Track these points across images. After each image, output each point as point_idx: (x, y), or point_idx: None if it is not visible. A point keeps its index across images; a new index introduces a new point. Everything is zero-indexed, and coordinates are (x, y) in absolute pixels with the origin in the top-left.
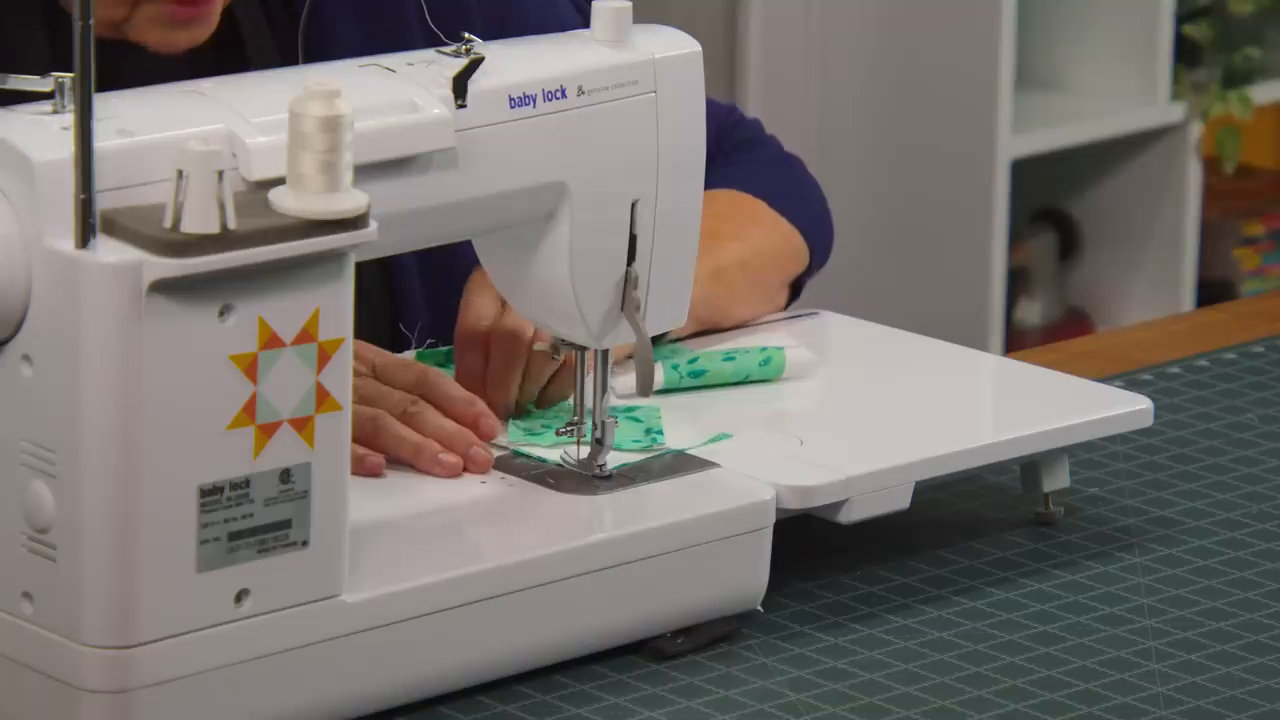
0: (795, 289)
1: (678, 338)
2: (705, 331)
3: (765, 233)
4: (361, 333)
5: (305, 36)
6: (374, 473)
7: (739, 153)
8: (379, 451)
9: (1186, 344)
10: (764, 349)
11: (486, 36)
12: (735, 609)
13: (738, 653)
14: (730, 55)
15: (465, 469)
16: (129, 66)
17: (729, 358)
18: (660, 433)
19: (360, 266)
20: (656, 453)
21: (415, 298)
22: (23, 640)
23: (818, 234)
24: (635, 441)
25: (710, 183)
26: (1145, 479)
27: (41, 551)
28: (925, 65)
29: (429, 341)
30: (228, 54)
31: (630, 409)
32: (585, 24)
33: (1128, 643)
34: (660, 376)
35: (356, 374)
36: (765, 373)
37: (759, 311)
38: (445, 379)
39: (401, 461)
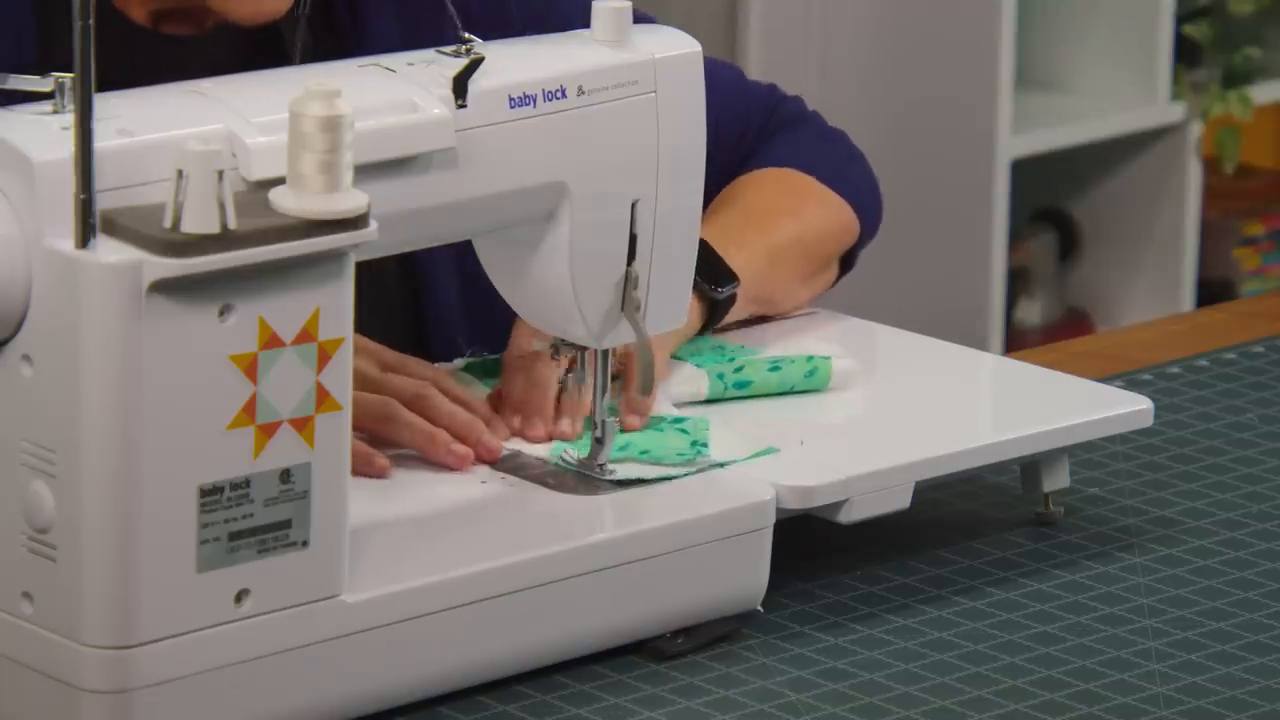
0: (846, 262)
1: (731, 323)
2: (757, 319)
3: (817, 207)
4: (379, 335)
5: (304, 40)
6: (381, 475)
7: (783, 130)
8: (389, 439)
9: (1186, 344)
10: (810, 358)
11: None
12: (735, 609)
13: (738, 653)
14: (730, 55)
15: (476, 458)
16: (168, 60)
17: (775, 368)
18: (705, 445)
19: (377, 268)
20: (700, 466)
21: (447, 298)
22: (23, 640)
23: (867, 205)
24: (680, 455)
25: (757, 161)
26: (1145, 479)
27: (41, 551)
28: (925, 65)
29: (472, 350)
30: (270, 60)
31: (679, 420)
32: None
33: (1128, 643)
34: (705, 386)
35: (361, 370)
36: (811, 383)
37: (813, 289)
38: (453, 381)
39: (412, 449)
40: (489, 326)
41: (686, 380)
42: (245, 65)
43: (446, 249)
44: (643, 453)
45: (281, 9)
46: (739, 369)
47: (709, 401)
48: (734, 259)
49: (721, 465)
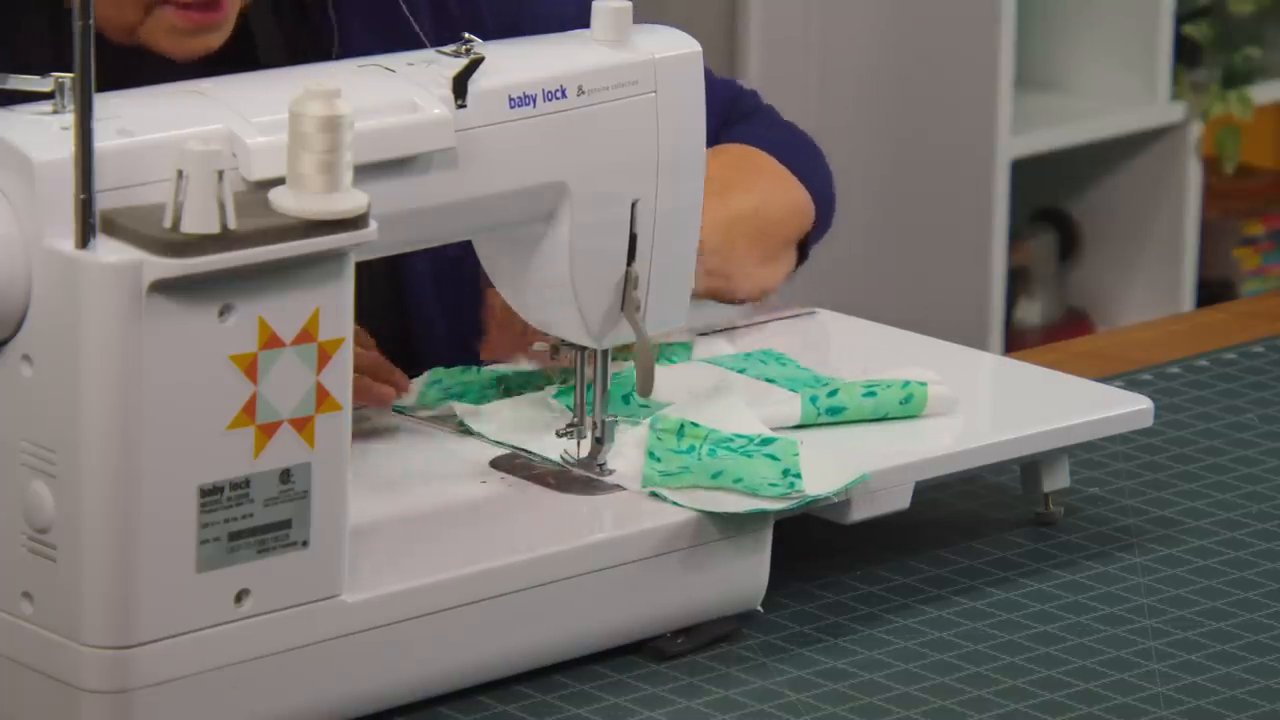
0: (803, 251)
1: (718, 326)
2: (716, 299)
3: (772, 184)
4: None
5: (273, 35)
6: (383, 402)
7: (744, 120)
8: None
9: (1186, 344)
10: (906, 384)
11: (498, 38)
12: (735, 609)
13: (738, 653)
14: (730, 56)
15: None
16: (143, 72)
17: (870, 393)
18: (799, 475)
19: (368, 275)
20: (796, 500)
21: (428, 297)
22: (23, 640)
23: (824, 195)
24: (773, 486)
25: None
26: (1145, 479)
27: (41, 551)
28: (925, 65)
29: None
30: (241, 62)
31: (767, 440)
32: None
33: (1128, 643)
34: (797, 410)
35: None
36: (906, 410)
37: (770, 275)
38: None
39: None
40: (468, 334)
41: (778, 404)
42: (214, 63)
43: (424, 256)
44: (736, 480)
45: (212, 45)
46: (832, 392)
47: (800, 426)
48: None
49: (816, 499)
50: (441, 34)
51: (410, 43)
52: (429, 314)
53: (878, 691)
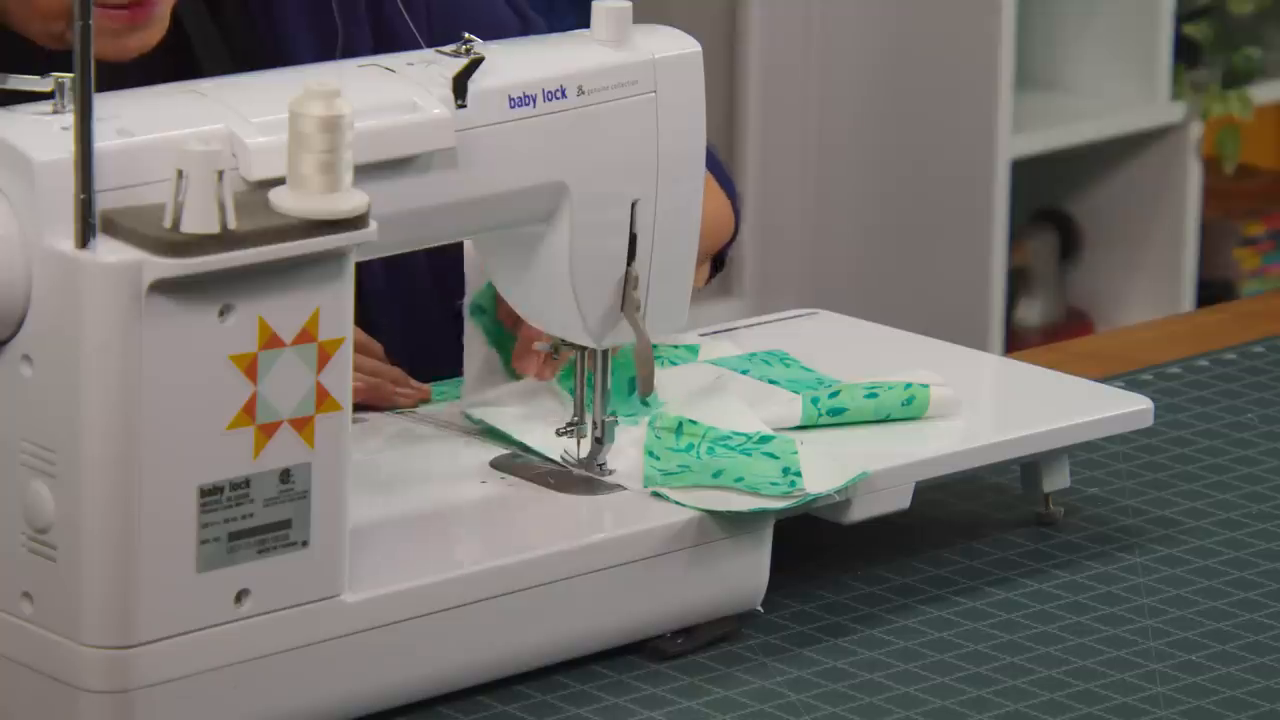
0: (716, 263)
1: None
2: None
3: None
4: None
5: (208, 30)
6: (401, 404)
7: None
8: None
9: (1186, 344)
10: (908, 385)
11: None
12: (735, 609)
13: (738, 653)
14: (730, 55)
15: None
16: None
17: (871, 394)
18: (799, 474)
19: None
20: (797, 499)
21: (380, 289)
22: (23, 640)
23: (738, 207)
24: (774, 485)
25: None
26: (1145, 479)
27: (41, 551)
28: (925, 65)
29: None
30: (178, 59)
31: (765, 439)
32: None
33: (1128, 643)
34: (798, 411)
35: None
36: (907, 412)
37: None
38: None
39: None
40: (427, 351)
41: (779, 404)
42: (161, 78)
43: (388, 275)
44: (738, 479)
45: (149, 42)
46: (834, 394)
47: (801, 428)
48: None
49: (817, 498)
50: (380, 40)
51: (345, 39)
52: (386, 329)
53: (878, 691)
